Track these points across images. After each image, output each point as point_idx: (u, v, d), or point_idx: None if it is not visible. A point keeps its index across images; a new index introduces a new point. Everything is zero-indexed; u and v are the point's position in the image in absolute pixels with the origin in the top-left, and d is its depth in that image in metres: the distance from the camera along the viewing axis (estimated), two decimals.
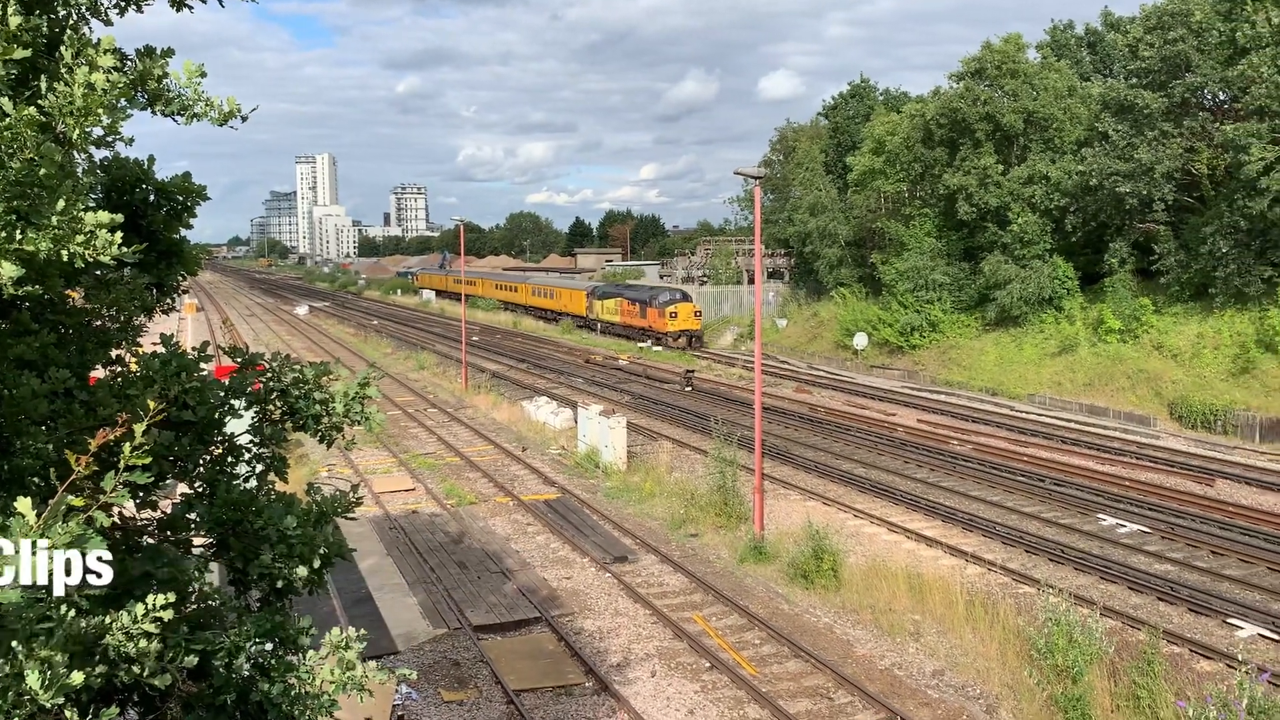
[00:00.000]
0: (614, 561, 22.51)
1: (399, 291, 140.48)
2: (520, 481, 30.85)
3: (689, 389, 48.02)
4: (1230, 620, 18.45)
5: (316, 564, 6.33)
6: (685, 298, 68.78)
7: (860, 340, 56.95)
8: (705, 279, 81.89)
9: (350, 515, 7.09)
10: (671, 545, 23.99)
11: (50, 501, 4.09)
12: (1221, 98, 44.99)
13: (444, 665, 17.17)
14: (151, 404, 4.72)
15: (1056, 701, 14.90)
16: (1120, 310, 45.46)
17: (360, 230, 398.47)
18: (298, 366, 6.96)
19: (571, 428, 36.47)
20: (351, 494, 6.97)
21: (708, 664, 16.99)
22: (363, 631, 6.46)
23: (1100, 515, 25.84)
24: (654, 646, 17.88)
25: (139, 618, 4.56)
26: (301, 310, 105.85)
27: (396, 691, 15.22)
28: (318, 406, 6.79)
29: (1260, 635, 17.79)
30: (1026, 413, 41.88)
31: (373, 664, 6.35)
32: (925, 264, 55.01)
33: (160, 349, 6.36)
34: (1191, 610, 19.16)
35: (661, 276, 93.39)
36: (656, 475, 29.91)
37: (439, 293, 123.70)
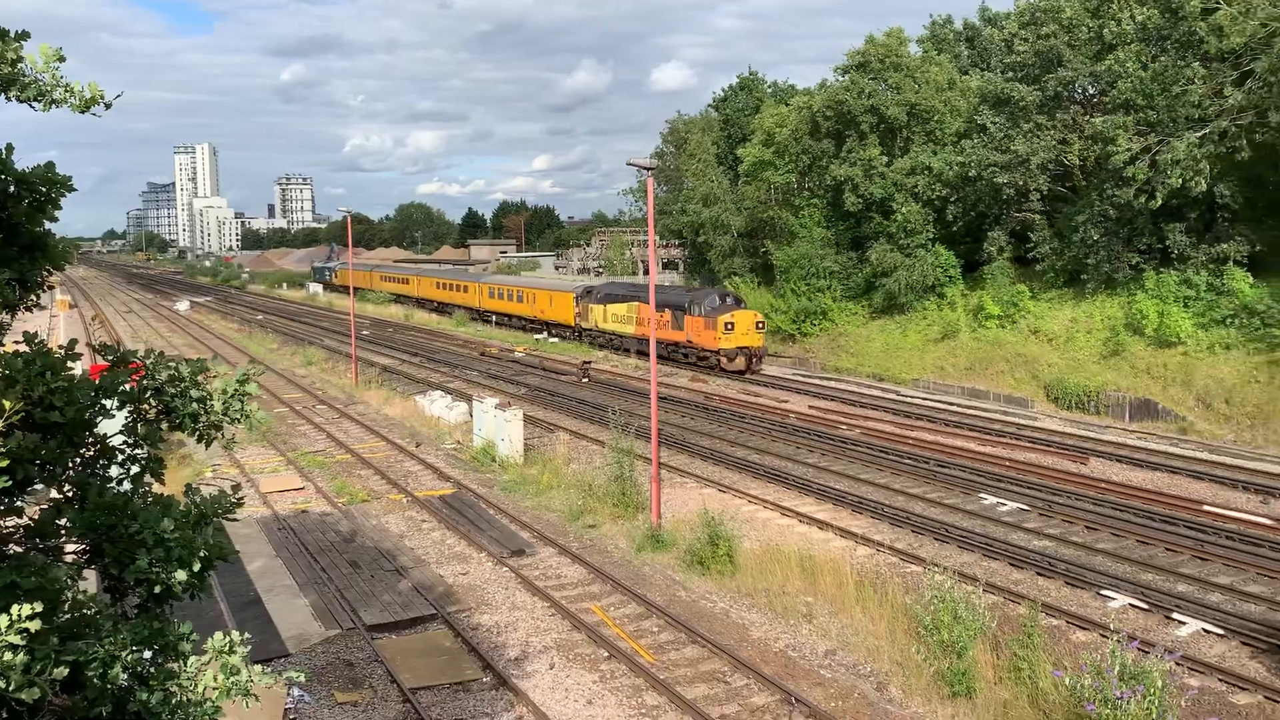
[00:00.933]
0: (511, 555, 22.40)
1: (285, 285, 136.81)
2: (414, 477, 30.41)
3: (586, 380, 48.04)
4: (1103, 592, 19.36)
5: (197, 567, 6.14)
6: (739, 302, 50.76)
7: None
8: (600, 270, 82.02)
9: (232, 516, 6.90)
10: (570, 537, 23.99)
11: None
12: (1091, 91, 46.99)
13: (337, 666, 16.84)
14: (8, 404, 4.51)
15: (943, 676, 15.42)
16: (999, 297, 47.16)
17: (244, 222, 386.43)
18: (173, 363, 6.73)
19: (467, 422, 36.11)
20: (233, 494, 6.78)
21: (606, 654, 17.06)
22: (246, 635, 6.30)
23: (982, 495, 26.80)
24: (552, 639, 17.87)
25: (3, 630, 4.35)
26: (182, 306, 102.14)
27: (288, 695, 14.87)
28: (195, 405, 6.57)
29: (1130, 605, 18.71)
30: (911, 397, 43.13)
31: (259, 668, 6.19)
32: (815, 252, 56.11)
33: (25, 348, 6.08)
34: (1068, 584, 20.03)
35: (557, 268, 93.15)
36: (554, 467, 29.85)
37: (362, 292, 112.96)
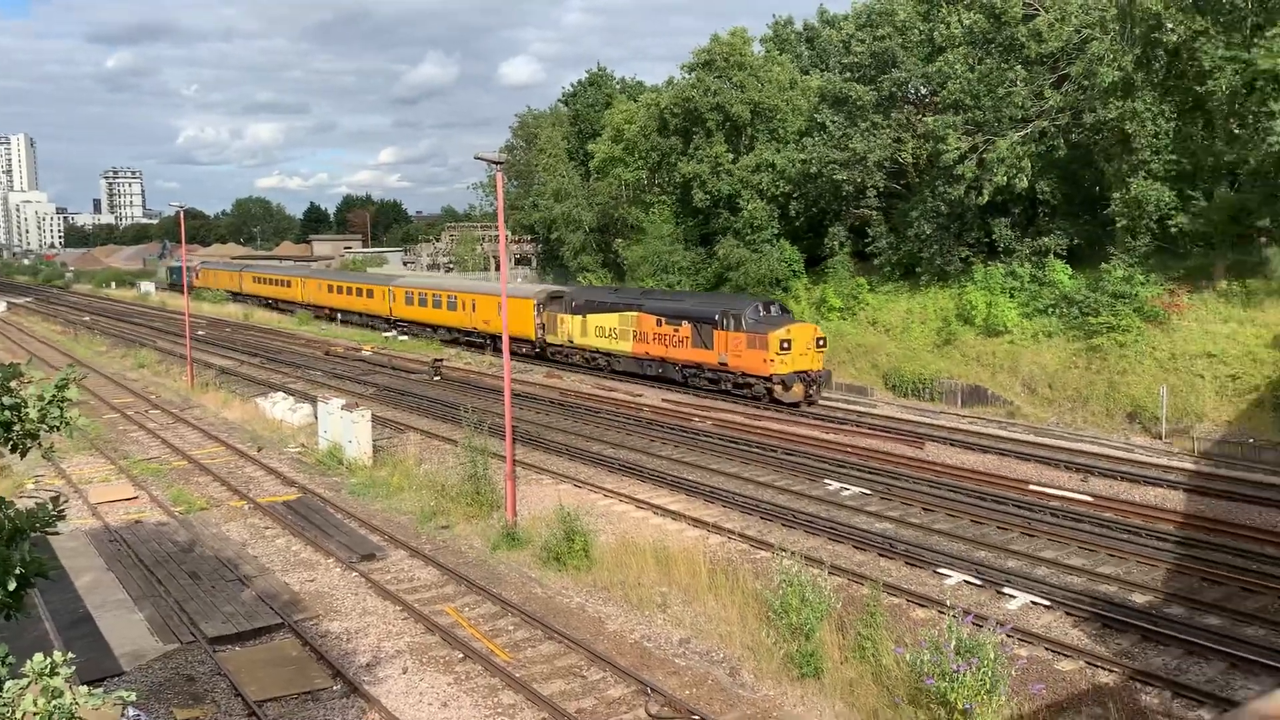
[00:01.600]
0: (361, 560, 21.86)
1: (113, 284, 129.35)
2: (256, 483, 29.29)
3: (438, 378, 47.28)
4: (940, 570, 20.31)
5: (12, 586, 5.76)
6: (786, 312, 41.05)
7: None
8: (451, 266, 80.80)
9: (53, 530, 6.50)
10: (422, 539, 23.58)
11: None
12: (923, 92, 49.16)
13: (176, 682, 16.07)
14: None
15: (792, 658, 15.88)
16: (840, 290, 48.87)
17: (66, 218, 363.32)
18: None
19: (312, 424, 35.00)
20: (54, 507, 6.38)
21: (461, 655, 16.86)
22: (71, 655, 5.95)
23: (827, 480, 27.72)
24: (405, 643, 17.53)
25: None
26: None
27: (122, 715, 14.10)
28: (7, 412, 6.15)
29: (965, 581, 19.69)
30: None
31: (84, 689, 5.85)
32: (665, 249, 56.83)
33: None
34: (908, 563, 20.93)
35: (405, 264, 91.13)
36: (405, 468, 29.27)
37: (234, 295, 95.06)
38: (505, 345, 25.06)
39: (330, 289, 76.15)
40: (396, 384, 46.03)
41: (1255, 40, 34.99)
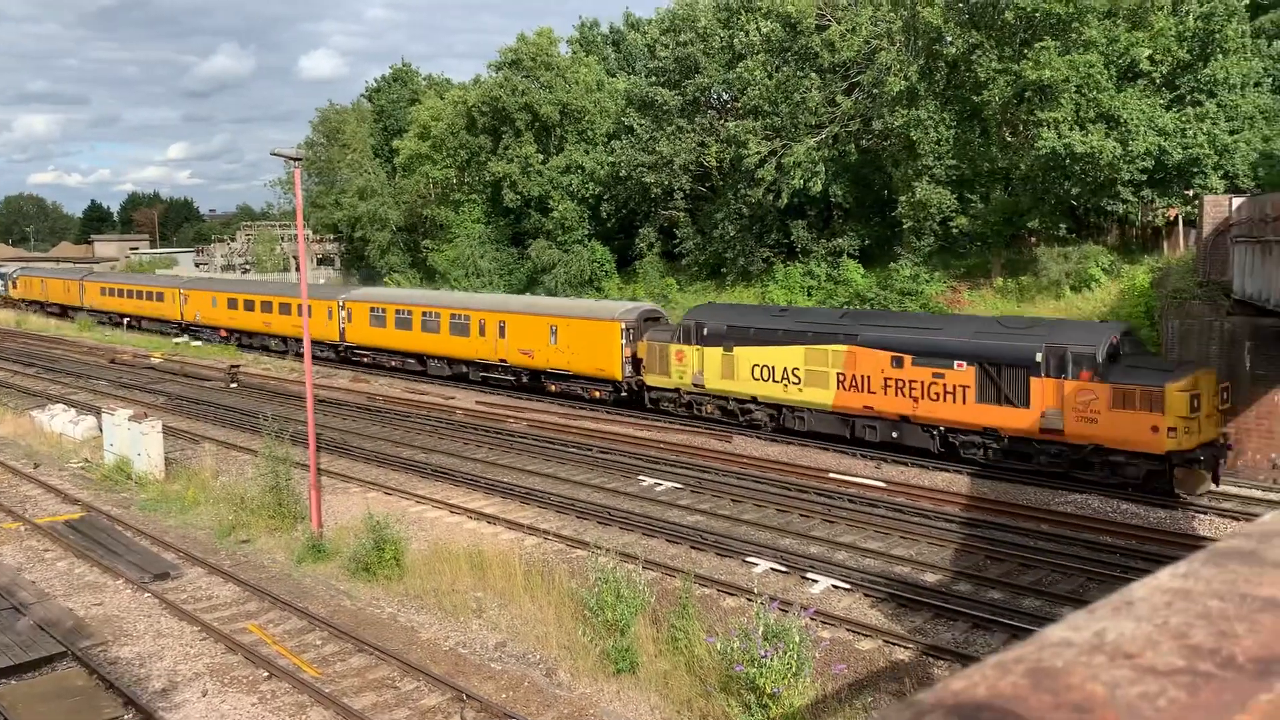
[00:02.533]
0: (154, 580, 20.59)
1: None
2: (34, 503, 27.09)
3: (235, 386, 45.06)
4: (748, 559, 21.00)
5: None
6: (1140, 346, 27.50)
7: None
8: (248, 266, 77.20)
9: None
10: (221, 554, 22.43)
11: None
12: (725, 97, 50.68)
13: None
14: None
15: (608, 655, 16.06)
16: (651, 289, 49.76)
17: None
18: None
19: (97, 437, 32.66)
20: None
21: (266, 673, 16.16)
22: None
23: (641, 476, 28.16)
24: (204, 664, 16.64)
25: None
26: None
27: None
28: None
29: (772, 569, 20.43)
30: None
31: None
32: (474, 250, 56.26)
33: None
34: (718, 554, 21.54)
35: (198, 265, 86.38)
36: (201, 481, 27.77)
37: (66, 310, 75.23)
38: (307, 348, 24.18)
39: (234, 304, 55.52)
40: (190, 392, 43.58)
41: (1024, 54, 37.98)
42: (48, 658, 16.88)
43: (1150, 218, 41.10)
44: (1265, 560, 1.09)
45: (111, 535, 23.67)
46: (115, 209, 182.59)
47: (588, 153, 53.85)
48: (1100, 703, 0.81)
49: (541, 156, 54.46)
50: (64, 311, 75.58)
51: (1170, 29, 37.50)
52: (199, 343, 60.07)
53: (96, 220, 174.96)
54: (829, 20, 45.02)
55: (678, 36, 49.41)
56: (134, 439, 28.87)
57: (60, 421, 35.15)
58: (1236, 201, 30.83)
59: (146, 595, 19.87)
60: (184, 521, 25.03)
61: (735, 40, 46.39)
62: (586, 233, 53.77)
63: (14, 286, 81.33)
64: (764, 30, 45.12)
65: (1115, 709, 0.80)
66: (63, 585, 20.71)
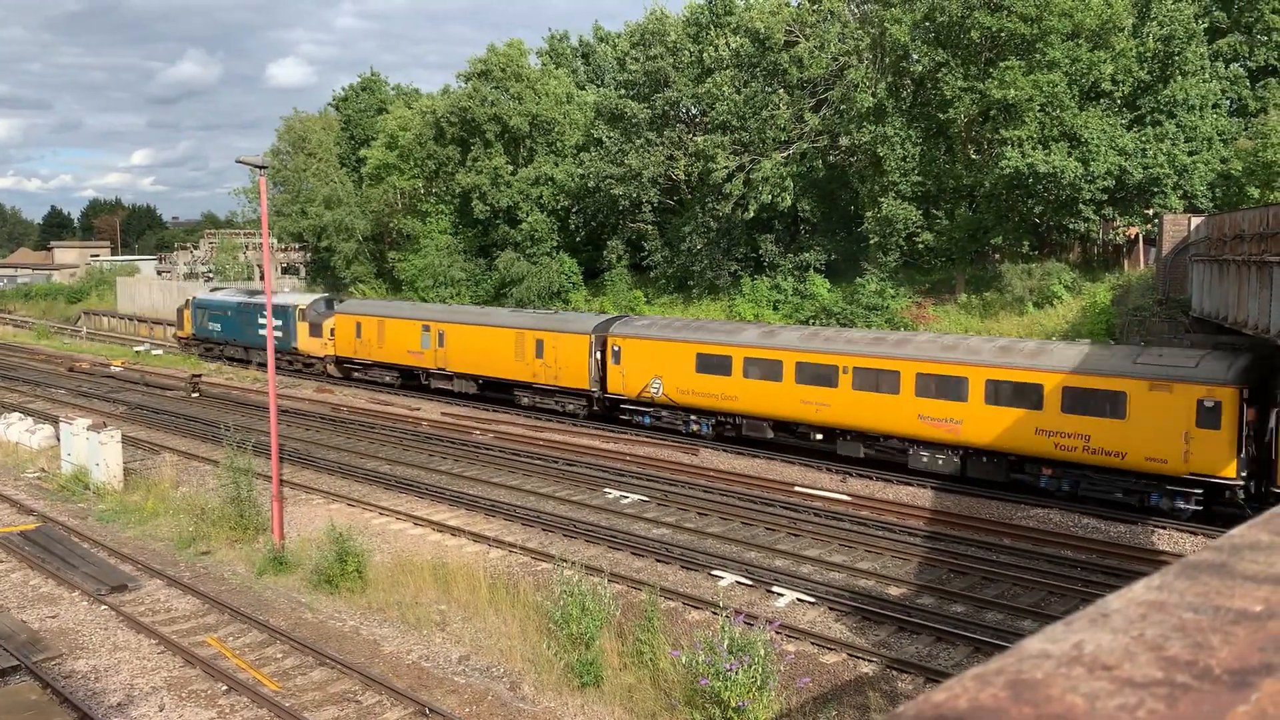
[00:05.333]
0: (111, 592, 20.24)
1: None
2: None
3: (196, 395, 44.51)
4: (714, 572, 20.99)
5: None
6: None
7: None
8: (211, 275, 76.38)
9: None
10: (180, 566, 22.11)
11: None
12: (694, 111, 50.91)
13: None
14: None
15: (573, 668, 15.97)
16: (619, 301, 49.79)
17: None
18: None
19: (54, 446, 32.12)
20: None
21: (225, 687, 15.91)
22: None
23: (607, 489, 28.10)
24: (162, 678, 16.36)
25: None
26: None
27: None
28: None
29: (737, 582, 20.44)
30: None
31: None
32: (442, 261, 56.03)
33: None
34: (684, 567, 21.51)
35: (160, 273, 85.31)
36: (160, 492, 27.37)
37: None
38: (270, 364, 23.94)
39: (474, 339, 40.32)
40: (151, 402, 42.98)
41: (989, 73, 38.50)
42: (0, 671, 16.52)
43: (1111, 236, 41.76)
44: (1236, 573, 1.10)
45: (68, 546, 23.25)
46: (76, 215, 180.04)
47: (557, 164, 53.85)
48: (1080, 714, 0.81)
49: (511, 168, 54.40)
50: (405, 381, 44.43)
51: (1131, 50, 38.18)
52: (160, 352, 58.96)
53: (57, 226, 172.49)
54: (798, 37, 45.39)
55: (648, 50, 49.60)
56: (92, 448, 28.42)
57: (16, 430, 34.53)
58: (1195, 221, 31.42)
59: (103, 607, 19.53)
60: (143, 533, 24.65)
61: (705, 55, 46.65)
62: (555, 244, 53.74)
63: (330, 338, 47.39)
64: (733, 45, 45.40)
65: None
66: (16, 597, 20.30)
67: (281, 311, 47.69)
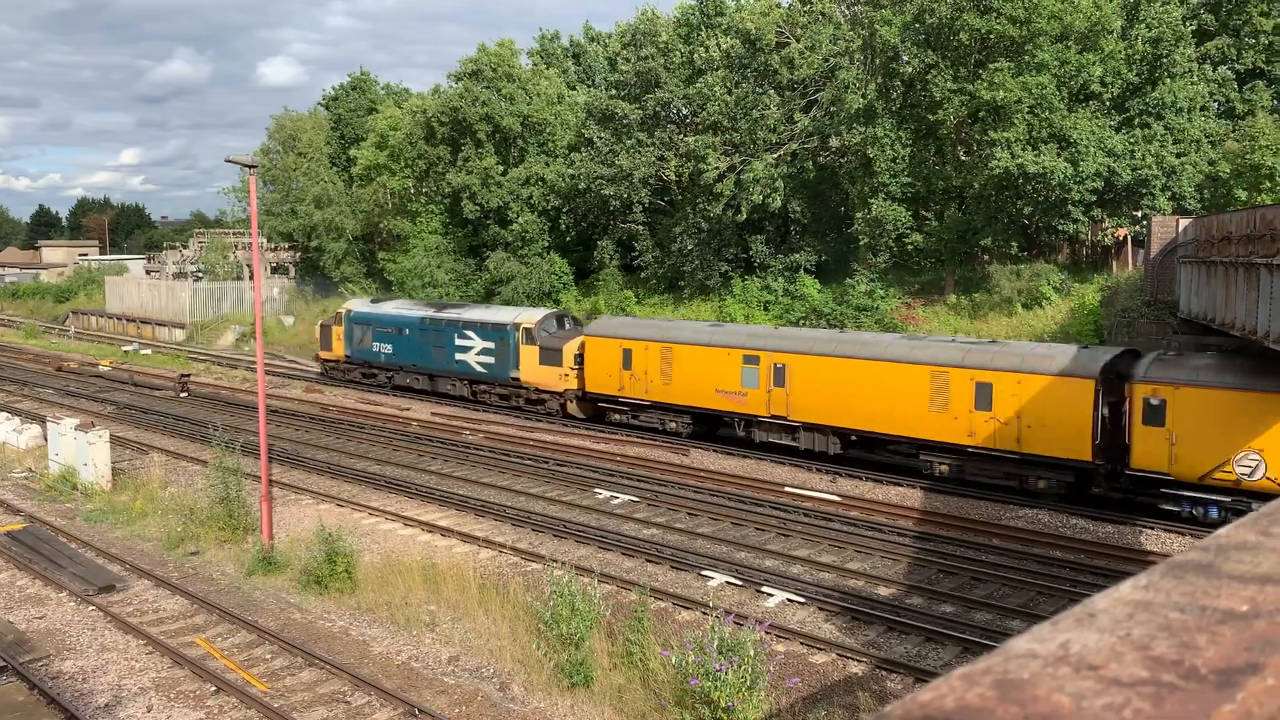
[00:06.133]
0: (99, 592, 20.16)
1: None
2: None
3: (185, 395, 44.35)
4: (704, 572, 21.01)
5: None
6: None
7: None
8: (201, 274, 76.07)
9: None
10: (169, 566, 22.03)
11: None
12: (685, 112, 50.90)
13: None
14: None
15: (563, 668, 15.97)
16: (610, 301, 49.77)
17: None
18: None
19: (41, 446, 31.99)
20: None
21: (213, 688, 15.86)
22: None
23: (597, 489, 28.09)
24: (150, 679, 16.30)
25: None
26: None
27: None
28: None
29: (727, 582, 20.46)
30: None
31: None
32: (431, 261, 55.90)
33: None
34: (674, 567, 21.52)
35: (149, 272, 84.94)
36: (148, 492, 27.28)
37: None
38: (259, 365, 23.86)
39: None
40: (139, 401, 42.82)
41: (979, 74, 38.61)
42: None
43: (1100, 237, 41.90)
44: (1223, 573, 1.11)
45: (55, 547, 23.14)
46: (64, 214, 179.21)
47: (548, 165, 53.79)
48: (1066, 714, 0.81)
49: (502, 168, 54.31)
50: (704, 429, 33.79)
51: (1120, 52, 38.32)
52: (148, 351, 58.64)
53: (44, 225, 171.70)
54: (788, 38, 45.44)
55: (639, 50, 49.57)
56: (80, 448, 28.30)
57: (3, 430, 34.36)
58: (1183, 223, 31.56)
59: (91, 608, 19.45)
60: (131, 533, 24.56)
61: (695, 55, 46.64)
62: (546, 245, 53.68)
63: (573, 367, 36.60)
64: (724, 46, 45.42)
65: None
66: (3, 598, 20.21)
67: (494, 330, 38.87)
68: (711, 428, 33.20)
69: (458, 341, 40.01)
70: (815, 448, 29.53)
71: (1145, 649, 0.92)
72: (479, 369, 39.42)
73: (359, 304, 46.53)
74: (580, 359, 35.93)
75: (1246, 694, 0.85)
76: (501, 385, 38.94)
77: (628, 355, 33.99)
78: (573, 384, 36.39)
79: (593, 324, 37.26)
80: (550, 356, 36.75)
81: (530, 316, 38.62)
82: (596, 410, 36.02)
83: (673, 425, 33.35)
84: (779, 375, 29.93)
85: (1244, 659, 0.90)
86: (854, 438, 29.07)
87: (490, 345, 38.75)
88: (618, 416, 34.95)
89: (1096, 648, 0.92)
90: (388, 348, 43.13)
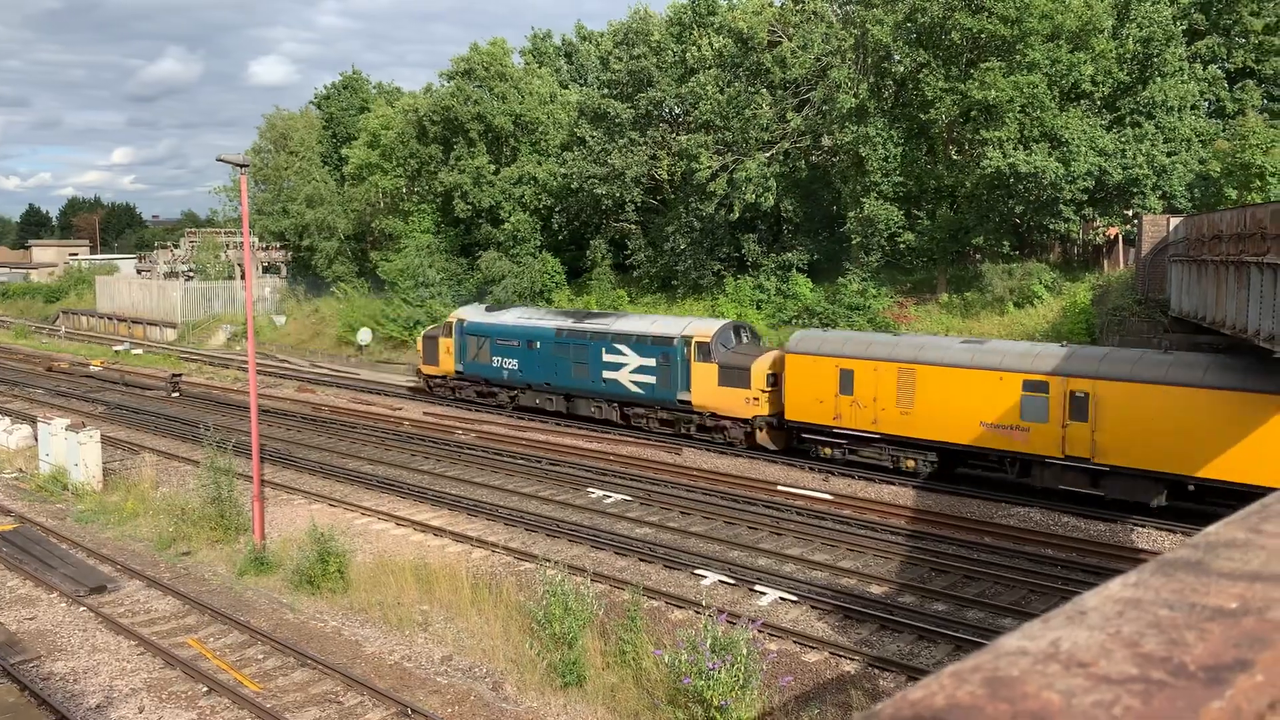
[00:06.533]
0: (90, 593, 20.10)
1: None
2: None
3: (176, 395, 44.24)
4: (697, 571, 21.01)
5: None
6: None
7: (364, 336, 56.32)
8: (192, 274, 75.86)
9: None
10: (161, 567, 21.97)
11: None
12: (677, 111, 50.88)
13: None
14: None
15: (555, 668, 15.96)
16: (602, 301, 49.74)
17: None
18: None
19: (32, 446, 31.88)
20: None
21: (205, 689, 15.82)
22: None
23: (590, 489, 28.08)
24: (142, 680, 16.25)
25: None
26: None
27: None
28: None
29: (720, 581, 20.47)
30: None
31: None
32: (423, 260, 55.80)
33: None
34: (667, 566, 21.53)
35: (140, 271, 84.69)
36: (140, 492, 27.20)
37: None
38: (251, 364, 23.81)
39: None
40: (130, 401, 42.69)
41: (970, 74, 38.67)
42: None
43: (1091, 236, 42.00)
44: (1212, 570, 1.11)
45: (46, 547, 23.07)
46: (55, 214, 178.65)
47: (540, 164, 53.73)
48: (1056, 711, 0.81)
49: (494, 167, 54.24)
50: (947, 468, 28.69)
51: (1111, 52, 38.42)
52: (139, 351, 58.48)
53: (35, 225, 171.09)
54: (780, 37, 45.46)
55: (631, 49, 49.54)
56: (71, 449, 28.21)
57: None
58: (1174, 221, 31.66)
59: (82, 609, 19.39)
60: (122, 533, 24.48)
61: (688, 55, 46.62)
62: (538, 244, 53.63)
63: (766, 389, 31.35)
64: (716, 45, 45.41)
65: (1071, 717, 0.80)
66: None
67: (655, 344, 33.29)
68: (954, 465, 27.69)
69: (606, 357, 34.41)
70: (1129, 497, 23.80)
71: (1135, 646, 0.92)
72: (633, 389, 33.87)
73: (472, 312, 40.81)
74: (775, 380, 30.52)
75: (1235, 691, 0.85)
76: (665, 409, 33.43)
77: (848, 377, 28.38)
78: (764, 409, 30.83)
79: (796, 338, 30.99)
80: (733, 376, 31.30)
81: (703, 328, 32.90)
82: (794, 441, 30.72)
83: (910, 464, 27.69)
84: (1079, 406, 24.22)
85: (1233, 656, 0.90)
86: (1191, 487, 23.06)
87: (649, 362, 33.28)
88: (829, 451, 29.29)
89: (1086, 645, 0.92)
90: (511, 363, 37.64)
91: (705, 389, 32.05)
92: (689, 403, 32.55)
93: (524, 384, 37.62)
